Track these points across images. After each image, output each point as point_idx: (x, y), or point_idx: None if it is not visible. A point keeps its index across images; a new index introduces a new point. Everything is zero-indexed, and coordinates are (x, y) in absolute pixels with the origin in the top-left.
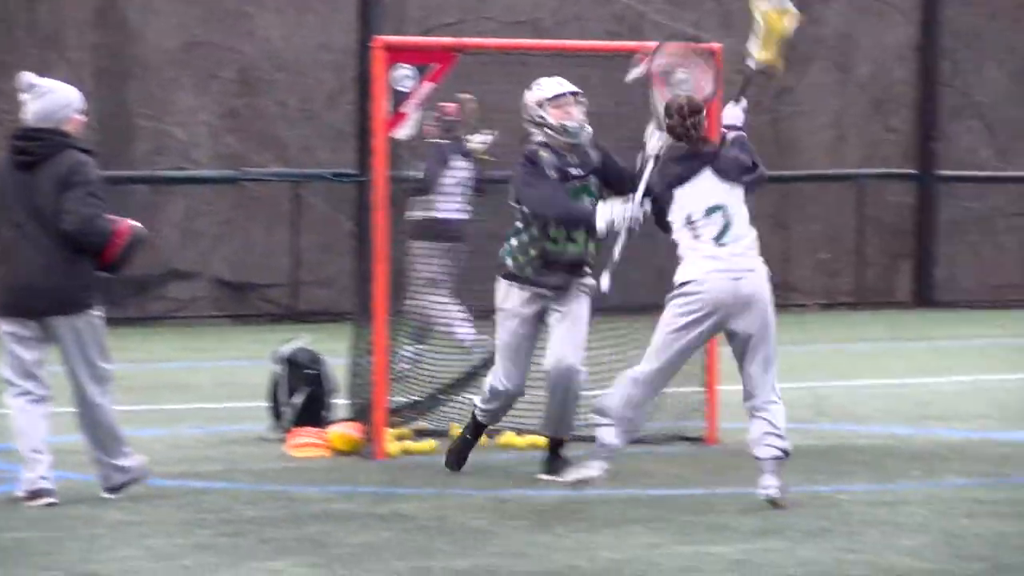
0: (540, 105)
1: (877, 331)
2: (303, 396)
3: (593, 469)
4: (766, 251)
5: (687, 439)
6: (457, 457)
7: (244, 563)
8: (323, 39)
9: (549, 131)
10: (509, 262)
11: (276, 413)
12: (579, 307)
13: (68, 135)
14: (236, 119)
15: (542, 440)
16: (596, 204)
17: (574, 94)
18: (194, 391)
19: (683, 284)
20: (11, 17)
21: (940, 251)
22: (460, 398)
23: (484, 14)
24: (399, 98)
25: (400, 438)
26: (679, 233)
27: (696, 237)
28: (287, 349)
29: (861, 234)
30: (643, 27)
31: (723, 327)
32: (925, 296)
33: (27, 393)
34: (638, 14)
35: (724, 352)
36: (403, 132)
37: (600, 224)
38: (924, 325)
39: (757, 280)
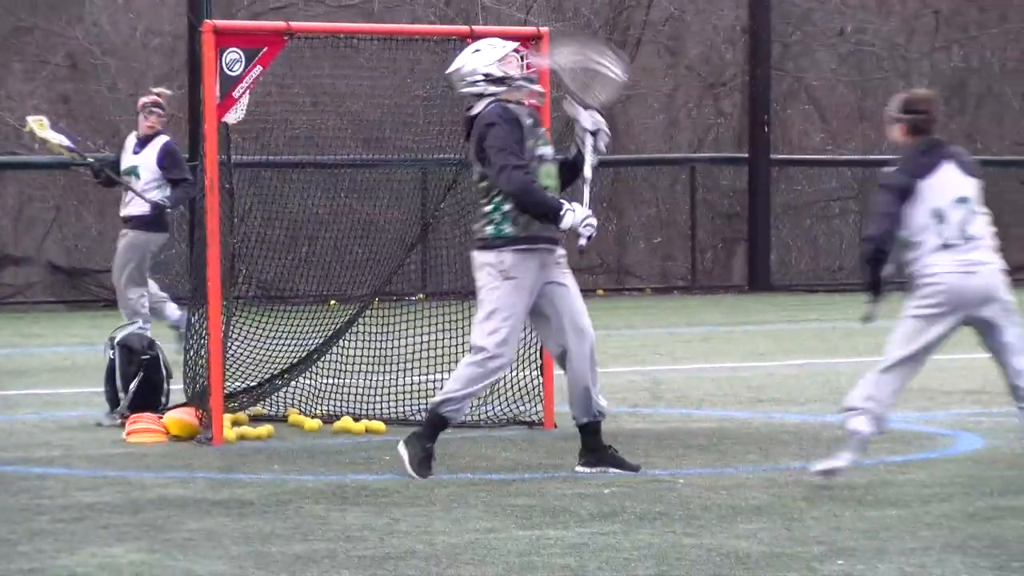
0: (499, 62)
1: (712, 315)
2: (138, 381)
3: (842, 460)
4: (602, 235)
5: (524, 423)
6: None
7: (82, 549)
8: (152, 23)
9: (519, 83)
10: (509, 228)
11: (112, 399)
12: (572, 279)
13: None
14: (67, 104)
15: (379, 425)
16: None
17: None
18: (30, 377)
19: (926, 276)
20: None
21: (773, 235)
22: (297, 384)
23: None
24: (229, 82)
25: (236, 424)
26: (922, 226)
27: (941, 231)
28: (121, 334)
29: (694, 218)
30: (474, 12)
31: (967, 321)
32: (760, 280)
33: None
34: None
35: None
36: (233, 117)
37: (564, 225)
38: (759, 309)
39: (992, 273)
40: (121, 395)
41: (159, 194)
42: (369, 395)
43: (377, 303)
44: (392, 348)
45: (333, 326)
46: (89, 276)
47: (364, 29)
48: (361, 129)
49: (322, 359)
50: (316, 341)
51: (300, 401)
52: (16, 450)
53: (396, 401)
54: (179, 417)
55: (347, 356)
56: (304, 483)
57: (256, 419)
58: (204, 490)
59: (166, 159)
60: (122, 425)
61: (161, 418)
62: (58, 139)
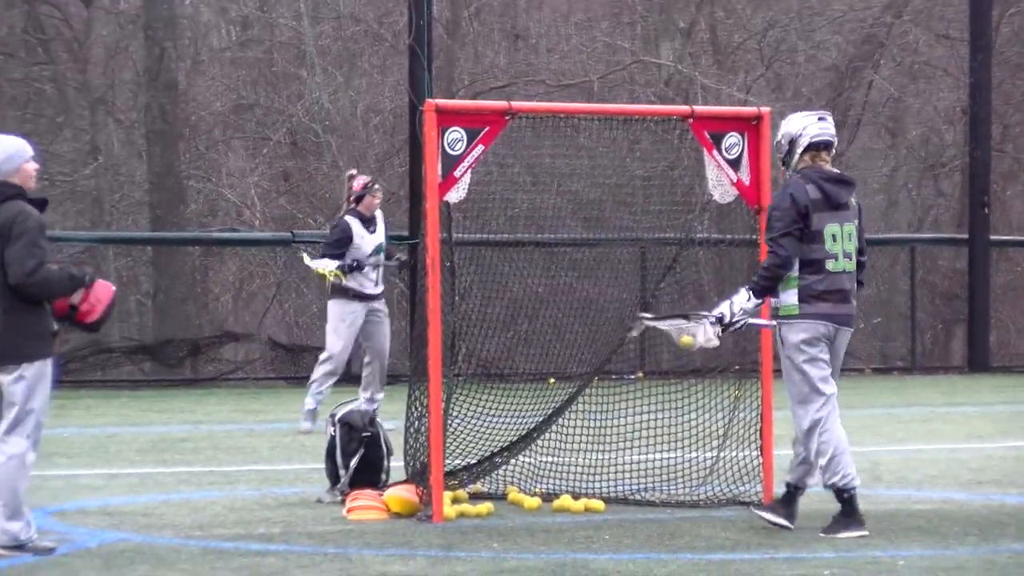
0: None
1: (931, 396)
2: (359, 458)
3: None
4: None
5: (743, 503)
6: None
7: None
8: (373, 102)
9: None
10: None
11: (333, 475)
12: None
13: (15, 186)
14: (287, 181)
15: (598, 504)
16: None
17: None
18: (250, 453)
19: None
20: (62, 78)
21: (993, 316)
22: (516, 461)
23: (533, 77)
24: (451, 161)
25: (456, 501)
26: None
27: None
28: (342, 411)
29: (914, 299)
30: (693, 91)
31: None
32: (979, 361)
33: None
34: (687, 78)
35: (779, 416)
36: (454, 195)
37: None
38: (978, 390)
39: None
40: (342, 472)
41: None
42: (588, 473)
43: (596, 381)
44: (611, 426)
45: (552, 404)
46: (309, 352)
47: (585, 109)
48: (581, 208)
49: (541, 437)
50: (535, 419)
51: (519, 479)
52: (236, 526)
53: (615, 480)
54: (399, 494)
55: (566, 434)
56: (523, 561)
57: (476, 497)
58: (424, 567)
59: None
60: (342, 502)
61: (381, 495)
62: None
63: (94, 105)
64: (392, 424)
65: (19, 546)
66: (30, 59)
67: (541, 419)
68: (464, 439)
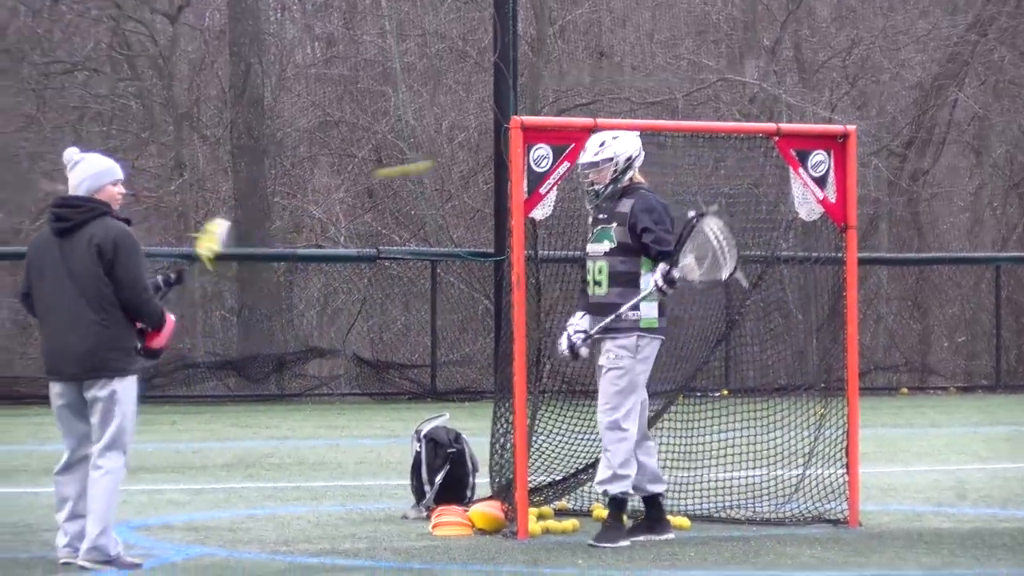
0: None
1: (1017, 414)
2: (444, 474)
3: None
4: (906, 333)
5: (829, 521)
6: None
7: None
8: (458, 119)
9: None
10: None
11: (418, 491)
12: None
13: (105, 203)
14: (372, 197)
15: (684, 521)
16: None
17: None
18: (335, 468)
19: None
20: (148, 94)
21: None
22: None
23: (618, 95)
24: (536, 178)
25: (542, 517)
26: None
27: None
28: (428, 427)
29: (999, 317)
30: (778, 109)
31: None
32: None
33: (79, 456)
34: (772, 96)
35: (866, 434)
36: (540, 212)
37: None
38: None
39: None
40: (427, 488)
41: None
42: (674, 491)
43: (682, 399)
44: (696, 444)
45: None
46: (394, 369)
47: (670, 127)
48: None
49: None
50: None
51: (605, 496)
52: (322, 541)
53: (701, 497)
54: (485, 510)
55: None
56: None
57: (561, 513)
58: None
59: None
60: (427, 518)
61: (466, 511)
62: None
63: (179, 121)
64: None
65: (108, 561)
66: (116, 75)
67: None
68: (549, 456)
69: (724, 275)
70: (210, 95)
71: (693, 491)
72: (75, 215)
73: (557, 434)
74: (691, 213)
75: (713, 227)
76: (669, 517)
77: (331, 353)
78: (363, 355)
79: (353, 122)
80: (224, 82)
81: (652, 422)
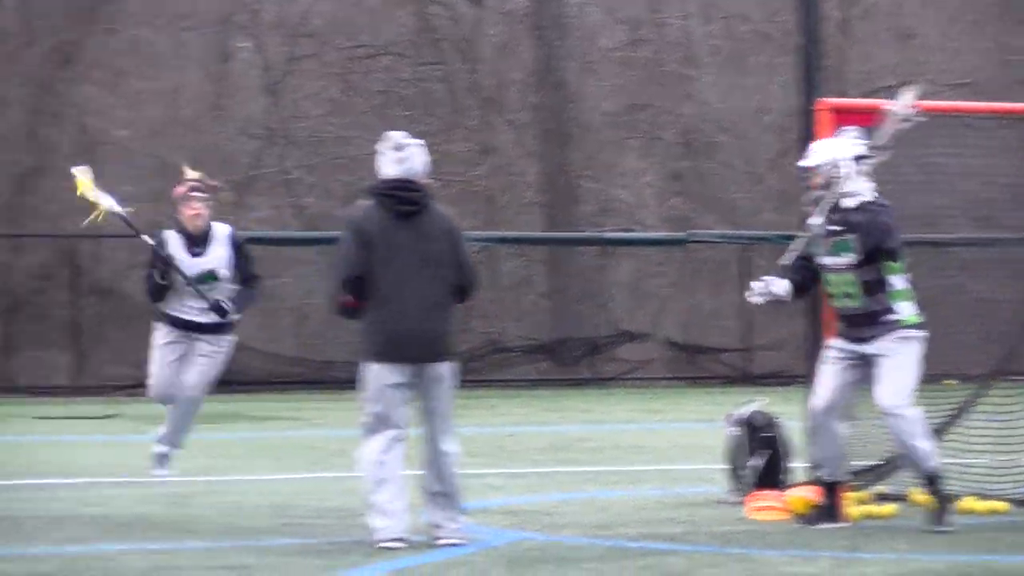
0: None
1: None
2: (761, 459)
3: None
4: None
5: None
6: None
7: None
8: (763, 101)
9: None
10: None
11: (735, 476)
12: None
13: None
14: (680, 181)
15: (1002, 505)
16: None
17: None
18: (651, 452)
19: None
20: (453, 78)
21: None
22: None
23: (924, 76)
24: None
25: (861, 502)
26: None
27: None
28: (744, 412)
29: None
30: None
31: None
32: None
33: (397, 438)
34: None
35: None
36: None
37: None
38: None
39: None
40: (744, 472)
41: None
42: (992, 475)
43: (997, 382)
44: (1015, 427)
45: (952, 406)
46: (705, 354)
47: (981, 108)
48: (973, 207)
49: (942, 439)
50: (936, 421)
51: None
52: (640, 525)
53: (1020, 481)
54: (802, 495)
55: (967, 436)
56: (929, 563)
57: (880, 498)
58: (829, 569)
59: None
60: (743, 502)
61: (783, 496)
62: (106, 203)
63: (484, 105)
64: None
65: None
66: (420, 59)
67: (942, 421)
68: (869, 440)
69: None
70: (514, 79)
71: (1012, 475)
72: (421, 199)
73: (876, 416)
74: None
75: None
76: (989, 502)
77: (641, 337)
78: (675, 339)
79: (660, 106)
80: (528, 66)
81: (965, 407)
